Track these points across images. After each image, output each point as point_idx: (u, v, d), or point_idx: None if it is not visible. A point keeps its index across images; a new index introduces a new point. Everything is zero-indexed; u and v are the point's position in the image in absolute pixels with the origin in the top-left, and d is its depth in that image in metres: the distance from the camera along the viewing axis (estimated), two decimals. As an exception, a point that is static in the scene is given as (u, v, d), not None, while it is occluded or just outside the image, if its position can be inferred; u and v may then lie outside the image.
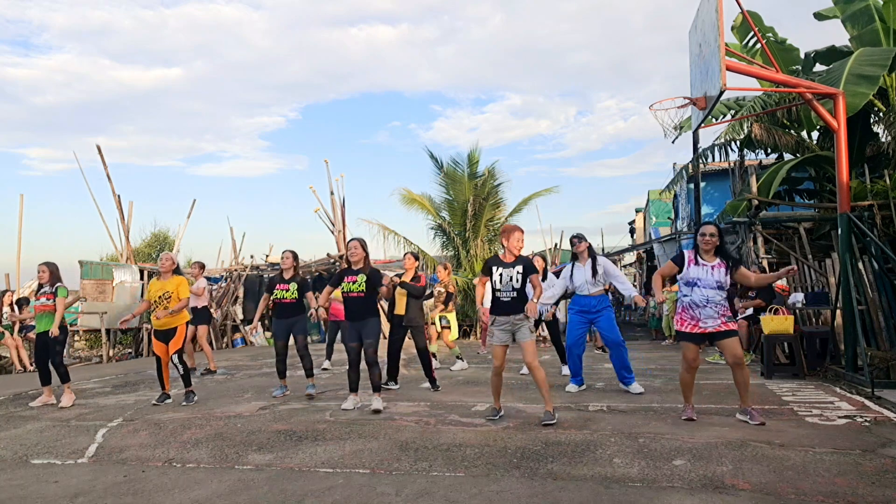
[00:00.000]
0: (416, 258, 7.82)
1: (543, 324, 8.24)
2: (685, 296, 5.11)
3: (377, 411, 5.78)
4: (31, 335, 10.91)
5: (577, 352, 6.81)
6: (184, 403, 6.56)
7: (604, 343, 6.82)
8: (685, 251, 5.24)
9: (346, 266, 6.21)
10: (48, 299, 6.74)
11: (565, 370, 8.07)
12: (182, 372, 6.71)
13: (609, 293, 6.86)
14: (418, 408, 6.01)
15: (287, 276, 7.04)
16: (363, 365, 6.05)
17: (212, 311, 9.94)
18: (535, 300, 5.26)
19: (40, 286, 6.88)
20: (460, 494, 3.55)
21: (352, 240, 6.22)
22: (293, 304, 6.96)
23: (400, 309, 7.24)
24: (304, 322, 7.08)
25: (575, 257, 6.80)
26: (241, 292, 16.05)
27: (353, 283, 5.98)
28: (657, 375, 7.80)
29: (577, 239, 6.73)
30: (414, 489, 3.67)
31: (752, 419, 4.93)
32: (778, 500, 3.33)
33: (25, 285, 14.35)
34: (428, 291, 7.95)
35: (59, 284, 6.83)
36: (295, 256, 7.21)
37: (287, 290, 6.95)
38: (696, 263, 5.07)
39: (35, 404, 6.79)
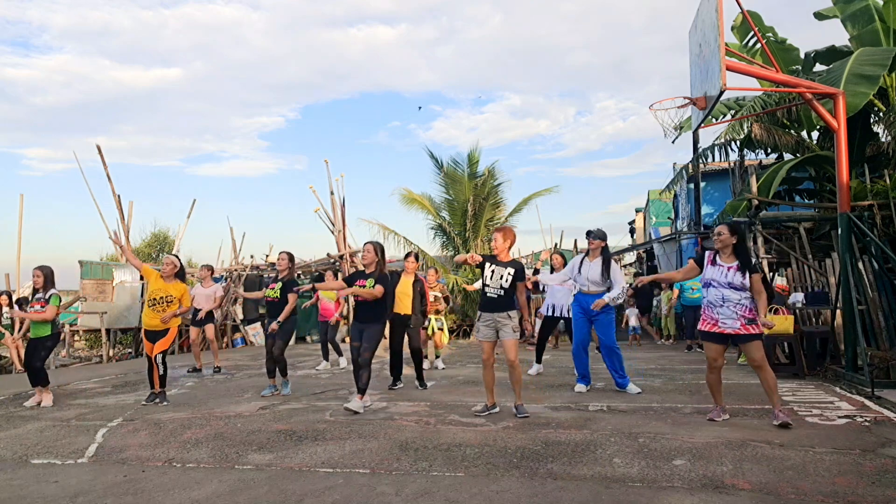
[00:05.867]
0: (417, 259, 7.81)
1: (563, 321, 8.29)
2: (704, 296, 5.17)
3: (349, 410, 5.73)
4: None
5: (584, 352, 6.75)
6: (156, 402, 6.51)
7: (599, 344, 6.80)
8: (707, 252, 5.27)
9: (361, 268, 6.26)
10: (42, 307, 6.65)
11: (533, 369, 8.12)
12: (162, 372, 6.66)
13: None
14: (418, 408, 6.01)
15: (281, 276, 7.12)
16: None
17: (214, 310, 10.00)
18: (528, 319, 5.44)
19: (35, 291, 6.84)
20: (460, 494, 3.55)
21: (367, 243, 6.24)
22: (275, 304, 6.99)
23: (405, 309, 7.22)
24: (288, 324, 6.95)
25: (588, 252, 6.75)
26: (241, 292, 16.05)
27: (363, 287, 6.03)
28: (657, 375, 7.80)
29: (592, 236, 6.64)
30: (414, 489, 3.66)
31: (775, 419, 4.90)
32: (778, 500, 3.33)
33: (25, 285, 14.33)
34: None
35: (52, 292, 6.74)
36: (290, 258, 7.25)
37: (273, 290, 7.05)
38: (714, 264, 5.10)
39: (29, 404, 6.75)
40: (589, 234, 6.70)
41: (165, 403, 6.55)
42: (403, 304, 7.21)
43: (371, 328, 6.01)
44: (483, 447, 4.47)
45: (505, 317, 5.42)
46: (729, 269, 5.00)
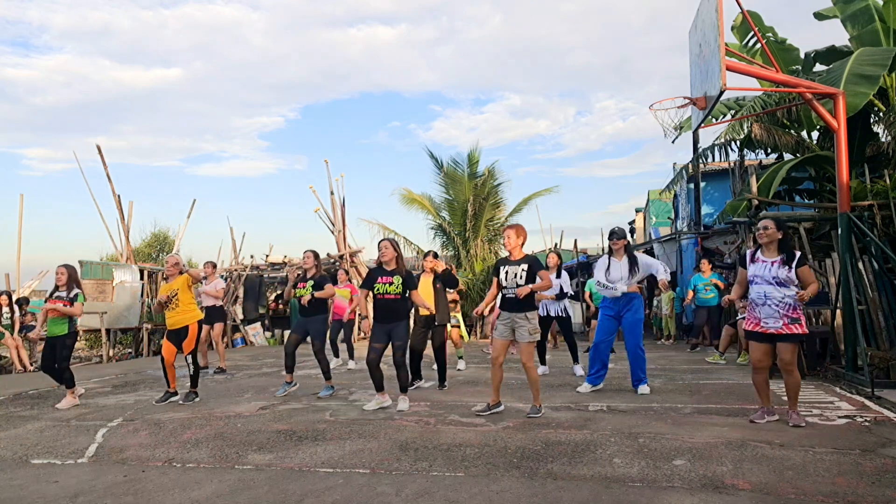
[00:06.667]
0: (437, 257, 7.70)
1: (556, 321, 8.27)
2: (749, 295, 5.04)
3: (402, 411, 5.80)
4: (31, 335, 10.92)
5: (602, 350, 6.67)
6: (180, 402, 6.57)
7: (625, 343, 6.76)
8: (748, 251, 5.13)
9: (377, 265, 6.20)
10: (64, 305, 6.57)
11: (577, 370, 8.07)
12: (192, 372, 6.73)
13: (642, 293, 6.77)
14: (418, 408, 6.00)
15: (309, 274, 7.12)
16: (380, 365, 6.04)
17: (226, 309, 9.95)
18: (529, 286, 5.28)
19: (56, 288, 6.78)
20: (460, 494, 3.55)
21: (382, 240, 6.19)
22: (308, 303, 6.98)
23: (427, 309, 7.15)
24: (319, 323, 7.03)
25: (611, 252, 6.68)
26: (241, 292, 16.06)
27: (389, 284, 5.95)
28: (657, 375, 7.80)
29: (616, 237, 6.58)
30: (414, 489, 3.66)
31: (790, 420, 4.88)
32: (778, 500, 3.33)
33: (25, 285, 14.35)
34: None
35: (77, 292, 6.71)
36: (315, 255, 7.27)
37: (304, 289, 7.03)
38: (755, 261, 4.97)
39: (62, 406, 6.61)
40: (612, 235, 6.63)
41: (197, 400, 6.66)
42: (429, 302, 7.05)
43: (400, 327, 5.98)
44: (483, 447, 4.46)
45: (522, 317, 5.33)
46: (773, 263, 4.84)
